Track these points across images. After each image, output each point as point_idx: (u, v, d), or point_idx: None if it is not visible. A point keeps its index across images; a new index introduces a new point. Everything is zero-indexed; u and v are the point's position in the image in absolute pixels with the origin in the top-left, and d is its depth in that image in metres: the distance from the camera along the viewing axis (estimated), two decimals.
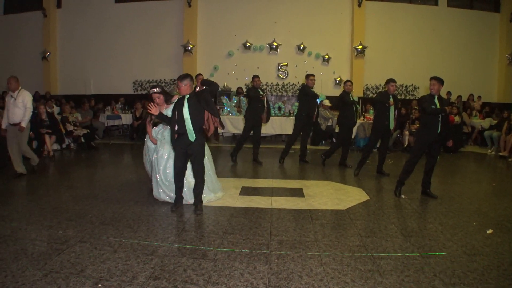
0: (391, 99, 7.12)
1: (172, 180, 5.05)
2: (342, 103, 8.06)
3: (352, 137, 9.27)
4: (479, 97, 13.91)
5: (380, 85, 13.80)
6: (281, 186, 6.31)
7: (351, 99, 7.94)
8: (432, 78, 5.65)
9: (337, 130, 9.40)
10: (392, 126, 7.20)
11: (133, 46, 14.92)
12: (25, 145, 6.99)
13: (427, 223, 4.62)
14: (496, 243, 3.96)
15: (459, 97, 13.61)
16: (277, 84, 14.49)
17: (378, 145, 7.93)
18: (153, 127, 5.54)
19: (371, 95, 13.87)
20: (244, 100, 11.65)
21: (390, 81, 7.21)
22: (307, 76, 8.17)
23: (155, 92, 5.13)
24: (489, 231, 4.29)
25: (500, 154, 9.96)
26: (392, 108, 7.11)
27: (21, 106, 6.73)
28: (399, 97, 13.42)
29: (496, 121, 11.26)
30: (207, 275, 3.12)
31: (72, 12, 15.35)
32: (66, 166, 8.35)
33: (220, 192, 5.60)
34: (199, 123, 4.77)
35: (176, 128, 4.73)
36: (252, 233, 4.09)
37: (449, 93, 13.49)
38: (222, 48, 14.48)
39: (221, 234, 4.01)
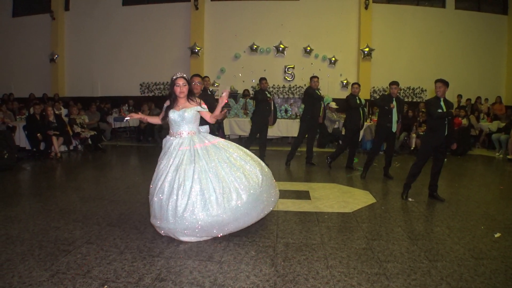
0: (394, 102, 7.09)
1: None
2: (348, 106, 8.04)
3: (359, 139, 9.24)
4: (486, 99, 13.83)
5: (387, 87, 13.74)
6: (288, 189, 6.29)
7: (358, 101, 7.91)
8: (437, 81, 5.62)
9: (343, 132, 9.38)
10: (395, 129, 7.16)
11: (140, 49, 15.01)
12: None
13: (434, 227, 4.59)
14: (504, 247, 3.93)
15: (469, 100, 13.54)
16: (284, 87, 14.51)
17: (384, 148, 7.90)
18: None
19: (378, 97, 13.84)
20: (250, 102, 11.67)
21: (392, 83, 7.19)
22: (311, 78, 8.19)
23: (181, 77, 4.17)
24: (497, 235, 4.26)
25: (508, 157, 9.89)
26: (394, 110, 7.07)
27: None
28: (406, 100, 13.42)
29: (504, 124, 11.18)
30: (213, 277, 3.11)
31: (80, 15, 15.48)
32: (73, 168, 8.40)
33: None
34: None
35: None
36: (258, 236, 4.08)
37: (459, 96, 13.44)
38: (229, 51, 14.53)
39: (227, 236, 3.99)
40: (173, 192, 3.78)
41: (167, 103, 4.21)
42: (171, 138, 4.12)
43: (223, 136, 11.90)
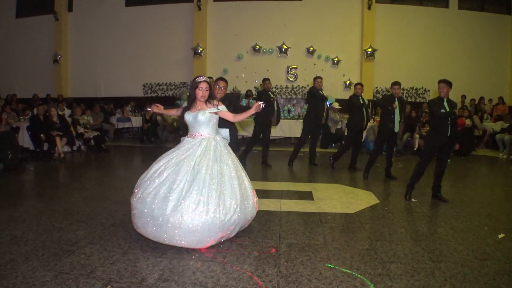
0: (396, 102, 7.09)
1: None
2: (351, 106, 8.04)
3: (362, 140, 9.23)
4: (490, 99, 13.79)
5: (390, 88, 13.75)
6: (290, 189, 6.29)
7: (361, 102, 7.90)
8: (440, 81, 5.60)
9: (346, 133, 9.38)
10: (397, 129, 7.16)
11: (143, 49, 15.04)
12: None
13: (437, 227, 4.58)
14: (508, 247, 3.91)
15: (472, 100, 13.51)
16: (287, 87, 14.50)
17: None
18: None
19: (380, 97, 13.80)
20: (253, 103, 11.65)
21: (394, 84, 7.21)
22: (314, 79, 8.19)
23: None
24: (501, 236, 4.24)
25: None
26: (397, 111, 7.07)
27: None
28: (409, 100, 13.41)
29: (507, 124, 11.14)
30: (216, 278, 3.11)
31: (83, 16, 15.53)
32: (77, 168, 8.42)
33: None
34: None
35: None
36: (261, 236, 4.08)
37: (463, 97, 13.40)
38: (232, 51, 14.54)
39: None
40: (153, 175, 3.83)
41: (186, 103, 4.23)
42: (187, 138, 4.13)
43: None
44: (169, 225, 3.55)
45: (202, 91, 4.05)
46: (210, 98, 4.14)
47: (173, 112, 4.50)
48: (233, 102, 5.41)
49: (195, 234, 3.56)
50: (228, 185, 3.83)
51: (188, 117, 4.09)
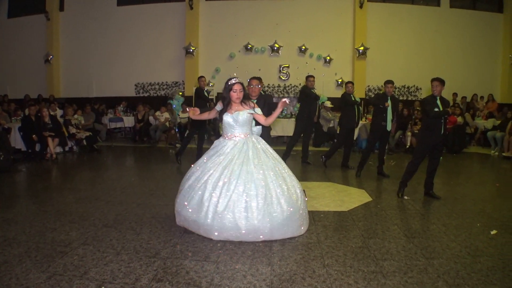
0: (389, 100, 7.11)
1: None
2: (344, 104, 8.06)
3: (354, 138, 9.27)
4: (482, 97, 13.90)
5: (382, 86, 13.80)
6: None
7: (353, 99, 7.94)
8: (434, 80, 5.63)
9: (338, 131, 9.41)
10: (389, 127, 7.18)
11: (135, 49, 14.99)
12: None
13: (430, 224, 4.61)
14: (500, 244, 3.95)
15: (464, 98, 13.60)
16: (279, 86, 14.50)
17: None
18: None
19: (373, 96, 13.86)
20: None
21: (387, 82, 7.24)
22: (307, 78, 8.21)
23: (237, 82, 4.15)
24: (493, 232, 4.28)
25: (504, 154, 9.93)
26: (389, 109, 7.10)
27: None
28: (401, 98, 13.48)
29: (499, 121, 11.23)
30: (210, 277, 3.11)
31: (75, 15, 15.44)
32: (69, 169, 8.37)
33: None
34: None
35: None
36: None
37: (455, 95, 13.49)
38: (224, 50, 14.52)
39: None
40: (216, 189, 3.84)
41: (220, 105, 4.23)
42: (225, 140, 4.16)
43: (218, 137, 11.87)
44: (259, 230, 3.79)
45: (236, 93, 4.10)
46: (244, 99, 4.19)
47: (205, 116, 4.53)
48: (268, 101, 5.44)
49: (282, 228, 3.85)
50: (286, 176, 4.05)
51: (228, 118, 4.13)
